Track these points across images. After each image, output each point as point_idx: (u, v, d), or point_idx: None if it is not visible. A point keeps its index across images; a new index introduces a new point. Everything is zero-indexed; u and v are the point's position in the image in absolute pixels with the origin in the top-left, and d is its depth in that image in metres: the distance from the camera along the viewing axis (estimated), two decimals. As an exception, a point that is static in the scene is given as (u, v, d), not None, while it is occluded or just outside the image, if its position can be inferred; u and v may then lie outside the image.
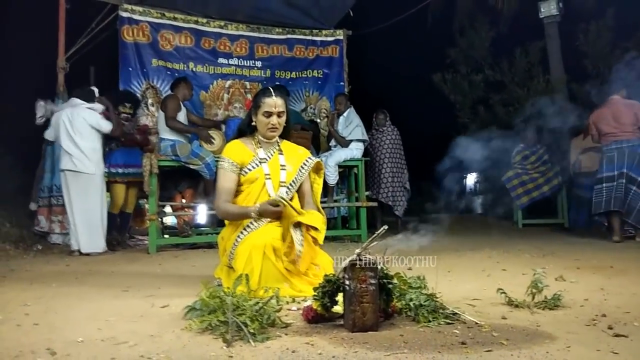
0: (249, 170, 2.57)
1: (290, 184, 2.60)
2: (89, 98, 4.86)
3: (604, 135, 5.22)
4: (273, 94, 2.59)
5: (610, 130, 5.15)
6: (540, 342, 1.52)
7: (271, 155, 2.63)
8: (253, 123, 2.64)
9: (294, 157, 2.68)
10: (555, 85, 8.30)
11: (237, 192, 2.60)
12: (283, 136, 2.72)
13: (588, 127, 5.48)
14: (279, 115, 2.58)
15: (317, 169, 2.74)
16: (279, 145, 2.68)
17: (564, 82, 8.37)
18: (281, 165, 2.61)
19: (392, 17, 8.15)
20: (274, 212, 2.40)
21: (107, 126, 4.76)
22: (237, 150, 2.60)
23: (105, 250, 4.67)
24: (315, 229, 2.38)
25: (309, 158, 2.70)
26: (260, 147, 2.63)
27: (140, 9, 6.04)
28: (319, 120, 6.71)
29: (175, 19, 6.25)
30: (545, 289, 2.05)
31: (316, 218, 2.43)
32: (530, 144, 7.16)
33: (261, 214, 2.43)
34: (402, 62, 10.30)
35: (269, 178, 2.56)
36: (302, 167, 2.65)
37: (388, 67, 10.44)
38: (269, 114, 2.56)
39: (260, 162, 2.58)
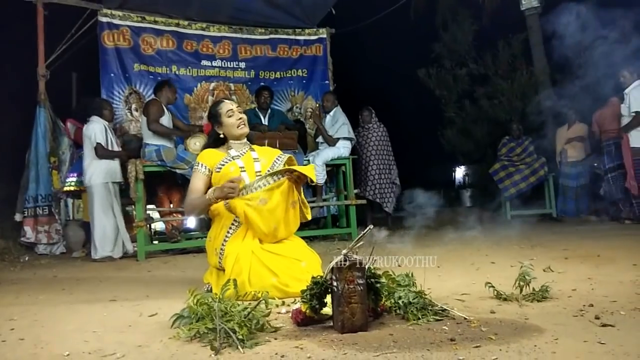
0: (222, 165, 2.65)
1: (266, 174, 2.62)
2: (92, 110, 4.97)
3: (604, 132, 6.10)
4: (223, 100, 2.86)
5: (609, 127, 5.96)
6: (529, 335, 1.53)
7: (243, 153, 2.74)
8: (221, 135, 2.76)
9: (267, 153, 2.81)
10: (538, 76, 8.37)
11: None
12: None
13: (591, 124, 6.38)
14: (240, 112, 2.77)
15: (289, 163, 2.78)
16: (249, 146, 2.81)
17: (547, 73, 8.44)
18: (254, 159, 2.71)
19: (375, 14, 8.16)
20: (228, 188, 2.42)
21: (98, 138, 4.79)
22: (209, 155, 2.73)
23: (108, 256, 4.72)
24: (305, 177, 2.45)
25: (282, 154, 2.81)
26: (232, 149, 2.75)
27: (120, 13, 5.97)
28: (307, 127, 6.69)
29: (156, 22, 6.19)
30: (533, 280, 2.06)
31: (308, 169, 2.49)
32: (515, 135, 7.22)
33: (217, 194, 2.48)
34: (387, 58, 10.31)
35: (244, 170, 2.64)
36: (276, 160, 2.74)
37: (373, 64, 10.45)
38: (232, 112, 2.73)
39: (233, 158, 2.68)
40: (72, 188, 5.43)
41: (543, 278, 2.30)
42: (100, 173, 4.80)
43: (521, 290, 2.05)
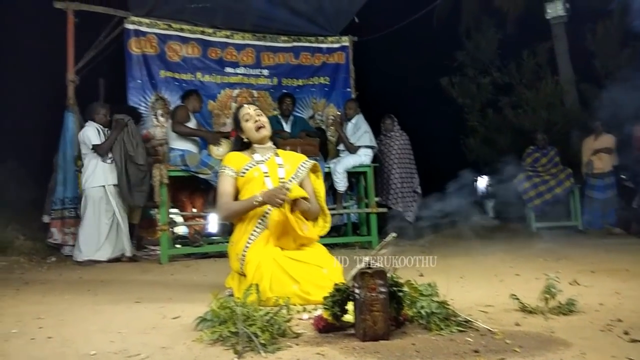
0: (246, 170, 2.66)
1: (290, 181, 2.66)
2: (87, 114, 5.11)
3: None
4: (243, 105, 2.85)
5: None
6: (554, 349, 1.50)
7: (268, 158, 2.74)
8: (245, 140, 2.78)
9: (291, 158, 2.79)
10: (564, 86, 8.24)
11: (239, 197, 2.68)
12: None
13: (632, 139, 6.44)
14: (258, 115, 2.75)
15: (314, 170, 2.81)
16: (274, 151, 2.79)
17: (573, 82, 8.30)
18: (278, 164, 2.71)
19: (398, 22, 8.15)
20: (277, 195, 2.45)
21: (92, 141, 4.92)
22: (235, 158, 2.74)
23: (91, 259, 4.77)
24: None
25: (307, 160, 2.80)
26: (256, 153, 2.75)
27: (147, 20, 6.11)
28: (329, 134, 6.70)
29: (182, 29, 6.31)
30: (559, 293, 2.02)
31: (297, 189, 2.54)
32: (541, 145, 7.11)
33: (265, 199, 2.49)
34: (409, 66, 10.25)
35: (268, 176, 2.65)
36: (300, 166, 2.74)
37: (395, 72, 10.39)
38: (249, 116, 2.74)
39: (257, 163, 2.69)
40: None
41: (569, 291, 2.25)
42: (95, 177, 4.91)
43: (546, 303, 2.01)
